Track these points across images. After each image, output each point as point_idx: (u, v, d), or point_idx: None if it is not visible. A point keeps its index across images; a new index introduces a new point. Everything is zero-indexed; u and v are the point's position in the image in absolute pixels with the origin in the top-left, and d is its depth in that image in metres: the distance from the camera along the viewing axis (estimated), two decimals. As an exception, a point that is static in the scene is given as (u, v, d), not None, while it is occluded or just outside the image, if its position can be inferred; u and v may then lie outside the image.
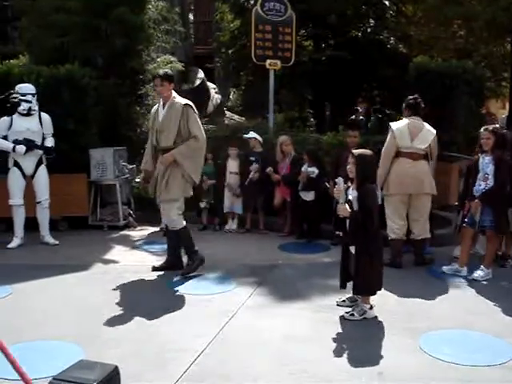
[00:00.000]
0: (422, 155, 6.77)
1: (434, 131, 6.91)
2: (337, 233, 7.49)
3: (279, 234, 8.38)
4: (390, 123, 6.94)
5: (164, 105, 6.28)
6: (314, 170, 8.02)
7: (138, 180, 7.09)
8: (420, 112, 6.94)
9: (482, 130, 6.50)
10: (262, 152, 8.63)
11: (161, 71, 6.53)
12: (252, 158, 8.55)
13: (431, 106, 9.32)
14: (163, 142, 6.22)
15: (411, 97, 7.04)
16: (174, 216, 6.29)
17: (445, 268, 6.54)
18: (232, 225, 8.79)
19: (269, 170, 8.39)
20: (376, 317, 5.05)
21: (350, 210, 4.97)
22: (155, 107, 6.48)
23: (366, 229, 4.90)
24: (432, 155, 6.93)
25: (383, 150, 6.87)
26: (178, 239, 6.44)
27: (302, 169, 8.09)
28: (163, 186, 6.20)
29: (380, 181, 6.57)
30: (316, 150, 8.50)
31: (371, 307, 5.06)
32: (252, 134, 8.72)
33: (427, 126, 6.90)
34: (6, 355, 2.74)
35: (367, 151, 5.23)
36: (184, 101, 6.28)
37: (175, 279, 6.22)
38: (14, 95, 7.57)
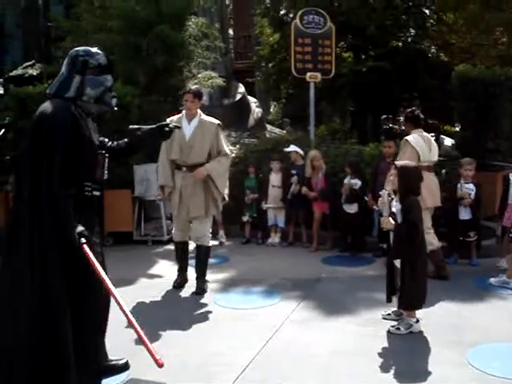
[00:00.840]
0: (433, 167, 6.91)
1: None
2: (380, 245, 7.46)
3: (322, 247, 8.32)
4: (406, 137, 6.79)
5: (190, 121, 6.28)
6: (356, 182, 7.98)
7: (159, 197, 7.17)
8: (421, 124, 6.90)
9: None
10: (303, 165, 8.61)
11: (193, 87, 6.58)
12: (293, 172, 8.55)
13: (475, 114, 9.26)
14: (193, 158, 6.20)
15: (409, 110, 7.08)
16: (207, 232, 6.39)
17: (492, 280, 6.42)
18: (275, 238, 8.79)
19: (304, 191, 8.33)
20: (422, 330, 4.98)
21: (393, 223, 4.94)
22: (176, 119, 6.28)
23: (409, 242, 4.85)
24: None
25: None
26: (201, 255, 6.40)
27: (345, 181, 8.05)
28: (196, 203, 6.20)
29: None
30: (358, 162, 8.45)
31: (417, 321, 4.99)
32: (292, 148, 8.73)
33: (431, 138, 6.98)
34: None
35: (410, 163, 5.20)
36: (214, 119, 6.38)
37: (219, 294, 6.25)
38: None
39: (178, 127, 4.47)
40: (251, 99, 17.98)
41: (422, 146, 6.67)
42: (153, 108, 9.89)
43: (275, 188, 8.73)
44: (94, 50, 3.90)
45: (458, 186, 7.30)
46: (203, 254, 6.36)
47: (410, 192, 4.98)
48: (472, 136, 9.30)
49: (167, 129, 4.17)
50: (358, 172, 8.13)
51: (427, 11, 16.11)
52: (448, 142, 12.91)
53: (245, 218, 8.86)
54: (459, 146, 9.91)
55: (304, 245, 8.51)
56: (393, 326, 5.00)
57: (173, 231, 6.69)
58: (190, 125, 6.28)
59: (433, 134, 16.29)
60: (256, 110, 17.51)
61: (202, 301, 6.02)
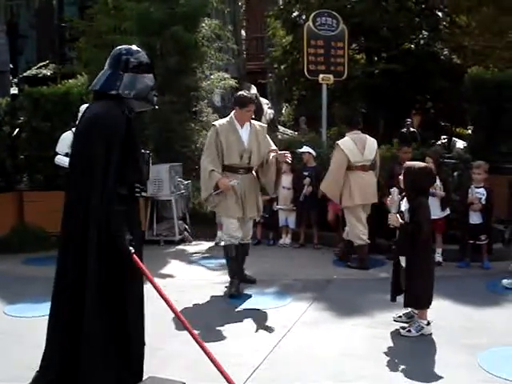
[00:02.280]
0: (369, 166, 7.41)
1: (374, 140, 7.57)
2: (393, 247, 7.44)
3: (334, 249, 8.30)
4: (337, 141, 7.47)
5: (242, 125, 6.29)
6: None
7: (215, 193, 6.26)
8: (356, 125, 7.59)
9: None
10: (316, 167, 8.61)
11: (253, 96, 6.66)
12: (305, 173, 8.55)
13: (488, 117, 9.23)
14: (253, 161, 6.30)
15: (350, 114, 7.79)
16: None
17: (505, 281, 6.40)
18: (286, 239, 8.80)
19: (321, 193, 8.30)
20: (432, 333, 4.98)
21: (401, 221, 4.95)
22: (224, 125, 6.30)
23: (413, 241, 4.86)
24: (376, 164, 7.56)
25: (333, 165, 7.38)
26: (248, 252, 6.59)
27: None
28: (253, 203, 6.35)
29: (334, 194, 7.36)
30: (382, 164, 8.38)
31: (428, 323, 4.99)
32: (306, 149, 8.73)
33: (369, 137, 7.52)
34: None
35: (418, 163, 5.20)
36: (260, 123, 6.55)
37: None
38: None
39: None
40: (263, 100, 17.99)
41: (351, 148, 7.25)
42: (165, 108, 9.94)
43: (285, 189, 8.73)
44: (135, 48, 3.93)
45: (469, 190, 7.28)
46: (248, 250, 6.61)
47: (418, 192, 4.98)
48: (485, 139, 9.28)
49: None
50: None
51: (440, 13, 16.10)
52: (460, 144, 12.88)
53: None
54: (472, 148, 9.88)
55: (316, 246, 8.52)
56: (403, 329, 5.00)
57: (224, 235, 6.44)
58: (244, 130, 6.30)
59: (445, 137, 16.31)
60: (268, 111, 17.52)
61: (215, 301, 6.05)
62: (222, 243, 6.55)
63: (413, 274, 4.94)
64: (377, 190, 7.46)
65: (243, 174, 6.28)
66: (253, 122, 6.42)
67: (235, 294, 6.20)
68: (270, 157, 6.30)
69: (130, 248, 3.60)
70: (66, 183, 3.94)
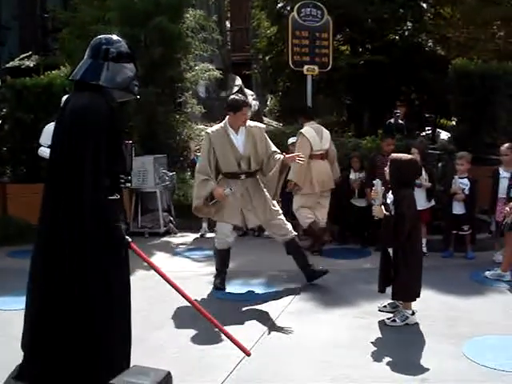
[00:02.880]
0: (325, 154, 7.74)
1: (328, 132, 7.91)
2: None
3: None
4: (301, 130, 7.73)
5: (236, 130, 6.09)
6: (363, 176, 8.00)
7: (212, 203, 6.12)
8: (312, 117, 8.03)
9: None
10: None
11: (246, 99, 6.39)
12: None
13: (472, 108, 9.28)
14: (253, 166, 6.12)
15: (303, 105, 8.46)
16: (288, 224, 6.27)
17: (487, 273, 6.46)
18: None
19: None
20: (417, 323, 5.01)
21: (385, 212, 4.95)
22: (217, 132, 6.12)
23: (398, 233, 4.88)
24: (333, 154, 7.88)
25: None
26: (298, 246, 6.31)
27: (351, 176, 8.05)
28: (265, 206, 6.12)
29: (302, 181, 7.52)
30: (365, 155, 8.39)
31: (413, 313, 5.02)
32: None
33: (324, 128, 7.91)
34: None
35: (404, 155, 5.20)
36: (258, 123, 6.34)
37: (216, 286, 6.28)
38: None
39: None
40: (248, 92, 17.97)
41: (313, 136, 7.55)
42: (150, 99, 9.89)
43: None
44: (116, 37, 3.89)
45: (453, 180, 7.32)
46: (297, 243, 6.32)
47: (403, 184, 4.98)
48: (469, 130, 9.34)
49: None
50: (362, 166, 8.14)
51: (424, 5, 16.11)
52: (444, 135, 12.94)
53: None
54: (456, 139, 9.94)
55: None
56: (388, 318, 5.03)
57: (216, 238, 6.34)
58: (239, 135, 6.11)
59: (429, 128, 16.36)
60: (253, 102, 17.49)
61: (200, 293, 6.03)
62: (215, 242, 6.37)
63: (399, 265, 4.96)
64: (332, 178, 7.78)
65: (245, 178, 6.12)
66: (249, 123, 6.19)
67: (219, 286, 6.19)
68: (275, 158, 6.07)
69: (127, 237, 3.66)
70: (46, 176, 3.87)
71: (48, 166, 3.94)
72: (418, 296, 5.05)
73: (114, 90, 3.75)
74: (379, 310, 5.29)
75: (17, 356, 3.95)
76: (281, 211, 6.27)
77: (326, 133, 7.81)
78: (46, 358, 3.66)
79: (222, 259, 6.28)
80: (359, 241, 8.13)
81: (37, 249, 3.81)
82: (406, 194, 4.98)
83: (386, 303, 5.32)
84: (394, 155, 5.17)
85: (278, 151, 6.19)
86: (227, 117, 6.14)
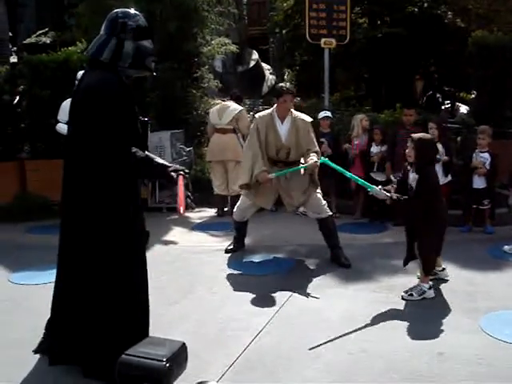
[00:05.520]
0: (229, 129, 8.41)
1: (239, 108, 8.54)
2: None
3: (352, 217, 8.25)
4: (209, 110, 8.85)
5: (282, 119, 6.15)
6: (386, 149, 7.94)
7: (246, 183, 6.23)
8: (233, 97, 8.94)
9: None
10: (332, 133, 8.46)
11: (291, 88, 6.33)
12: (322, 140, 8.10)
13: (492, 81, 9.15)
14: (292, 157, 6.18)
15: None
16: (324, 203, 6.26)
17: (506, 247, 6.42)
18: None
19: (347, 146, 8.21)
20: (435, 297, 5.01)
21: (387, 194, 4.98)
22: (264, 117, 6.22)
23: (427, 210, 4.90)
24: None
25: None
26: (332, 225, 6.31)
27: (372, 149, 7.98)
28: (298, 193, 6.16)
29: None
30: (385, 129, 8.30)
31: (430, 287, 5.03)
32: (326, 113, 8.50)
33: (233, 106, 8.60)
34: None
35: (426, 135, 5.22)
36: (305, 116, 6.29)
37: (233, 260, 6.31)
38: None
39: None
40: (265, 66, 17.87)
41: (214, 113, 8.54)
42: (166, 74, 9.86)
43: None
44: (133, 11, 3.77)
45: (473, 154, 7.26)
46: (331, 222, 6.30)
47: (427, 162, 5.03)
48: (489, 103, 9.21)
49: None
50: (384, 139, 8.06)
51: (444, -24, 15.81)
52: (464, 109, 12.78)
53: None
54: (475, 113, 9.80)
55: (334, 215, 8.30)
56: (406, 292, 5.04)
57: (235, 210, 6.62)
58: (284, 125, 6.16)
59: (448, 102, 16.16)
60: (270, 77, 17.42)
61: (217, 267, 6.08)
62: (234, 214, 6.58)
63: (423, 242, 5.02)
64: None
65: (282, 166, 6.18)
66: (297, 115, 6.22)
67: (229, 249, 6.61)
68: (309, 159, 6.05)
69: (173, 174, 3.69)
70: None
71: (64, 142, 3.96)
72: (434, 268, 5.10)
73: (128, 67, 3.68)
74: (418, 278, 5.30)
75: (34, 333, 4.02)
76: (319, 191, 6.26)
77: (230, 111, 8.45)
78: (67, 331, 3.72)
79: (237, 229, 6.65)
80: (369, 216, 8.11)
81: (62, 224, 3.87)
82: (431, 170, 5.06)
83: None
84: (418, 135, 5.15)
85: (316, 150, 6.19)
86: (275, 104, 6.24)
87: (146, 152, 3.86)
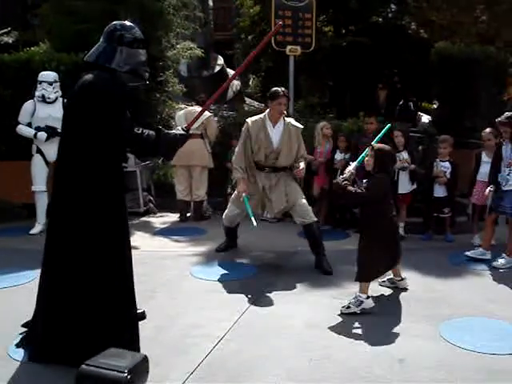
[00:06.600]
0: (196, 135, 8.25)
1: (207, 114, 8.47)
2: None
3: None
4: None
5: (274, 123, 6.20)
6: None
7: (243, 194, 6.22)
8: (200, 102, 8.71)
9: (500, 118, 6.44)
10: None
11: (286, 91, 6.31)
12: None
13: (453, 91, 9.30)
14: (281, 162, 6.22)
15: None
16: (309, 210, 6.24)
17: (469, 252, 6.52)
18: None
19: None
20: (374, 305, 5.04)
21: (339, 182, 5.02)
22: (256, 122, 6.26)
23: (371, 216, 5.01)
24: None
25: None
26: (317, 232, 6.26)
27: (336, 156, 8.01)
28: (281, 200, 6.22)
29: None
30: (348, 137, 8.34)
31: (368, 297, 4.92)
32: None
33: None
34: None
35: (386, 146, 5.24)
36: (296, 123, 6.35)
37: (196, 266, 6.27)
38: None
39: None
40: (230, 71, 17.83)
41: (180, 119, 8.49)
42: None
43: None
44: (129, 24, 4.07)
45: (435, 163, 7.36)
46: (316, 229, 6.24)
47: (382, 171, 5.07)
48: (450, 113, 9.36)
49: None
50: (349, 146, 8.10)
51: (408, -13, 16.03)
52: (425, 118, 12.95)
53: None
54: (437, 123, 9.96)
55: (285, 220, 8.34)
56: (343, 306, 4.91)
57: (226, 216, 6.64)
58: (275, 129, 6.19)
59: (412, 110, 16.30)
60: (235, 82, 17.38)
61: (179, 273, 6.03)
62: (223, 219, 6.63)
63: (361, 245, 5.06)
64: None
65: (269, 172, 6.26)
66: (288, 120, 6.28)
67: (218, 248, 6.81)
68: (298, 165, 6.18)
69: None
70: (62, 152, 3.96)
71: (60, 144, 4.02)
72: (369, 279, 4.99)
73: (125, 74, 3.93)
74: (379, 285, 5.40)
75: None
76: (303, 197, 6.28)
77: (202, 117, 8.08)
78: (54, 327, 3.81)
79: (227, 233, 6.85)
80: (331, 223, 8.15)
81: (50, 223, 4.05)
82: (383, 177, 5.08)
83: (385, 278, 5.44)
84: (377, 145, 5.18)
85: (305, 157, 6.39)
86: (268, 109, 6.29)
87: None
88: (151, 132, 3.96)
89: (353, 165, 5.16)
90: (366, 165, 5.11)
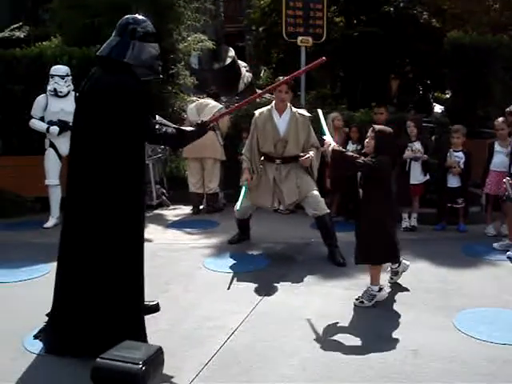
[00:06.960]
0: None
1: (219, 106, 8.56)
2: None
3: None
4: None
5: (280, 113, 6.24)
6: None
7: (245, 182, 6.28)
8: (211, 94, 9.00)
9: (509, 108, 6.39)
10: None
11: (287, 78, 6.39)
12: None
13: (466, 81, 9.23)
14: (288, 151, 6.23)
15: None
16: (321, 201, 6.20)
17: (495, 244, 6.50)
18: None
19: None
20: (387, 296, 5.02)
21: (328, 143, 4.99)
22: (262, 113, 6.33)
23: (369, 197, 4.91)
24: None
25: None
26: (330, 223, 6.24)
27: (348, 147, 7.97)
28: (292, 191, 6.22)
29: None
30: (360, 127, 8.30)
31: (380, 289, 4.88)
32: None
33: (213, 103, 8.62)
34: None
35: (387, 128, 5.09)
36: (304, 112, 6.37)
37: (208, 258, 6.29)
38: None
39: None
40: (241, 63, 17.81)
41: (192, 111, 8.62)
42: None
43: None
44: (142, 17, 4.07)
45: (448, 154, 7.32)
46: (328, 220, 6.23)
47: (382, 153, 4.84)
48: (463, 103, 9.30)
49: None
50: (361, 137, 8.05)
51: (420, -24, 15.92)
52: (438, 108, 12.90)
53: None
54: (449, 112, 9.90)
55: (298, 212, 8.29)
56: (357, 299, 4.88)
57: (238, 209, 6.33)
58: (282, 118, 6.23)
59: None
60: (246, 74, 17.36)
61: (193, 265, 6.04)
62: (235, 211, 6.47)
63: (362, 226, 5.05)
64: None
65: (280, 163, 6.29)
66: (295, 110, 6.31)
67: (230, 240, 6.80)
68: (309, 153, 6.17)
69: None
70: (74, 150, 4.02)
71: (71, 140, 4.09)
72: (380, 261, 4.94)
73: (139, 68, 3.94)
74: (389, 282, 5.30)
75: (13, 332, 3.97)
76: (315, 189, 6.26)
77: (210, 109, 8.37)
78: (70, 321, 3.87)
79: (239, 225, 6.81)
80: (344, 214, 8.08)
81: (65, 218, 4.10)
82: (383, 159, 4.84)
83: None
84: (377, 127, 5.07)
85: (317, 145, 6.30)
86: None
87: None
88: (171, 130, 4.06)
89: (328, 137, 5.08)
90: (366, 146, 4.97)
